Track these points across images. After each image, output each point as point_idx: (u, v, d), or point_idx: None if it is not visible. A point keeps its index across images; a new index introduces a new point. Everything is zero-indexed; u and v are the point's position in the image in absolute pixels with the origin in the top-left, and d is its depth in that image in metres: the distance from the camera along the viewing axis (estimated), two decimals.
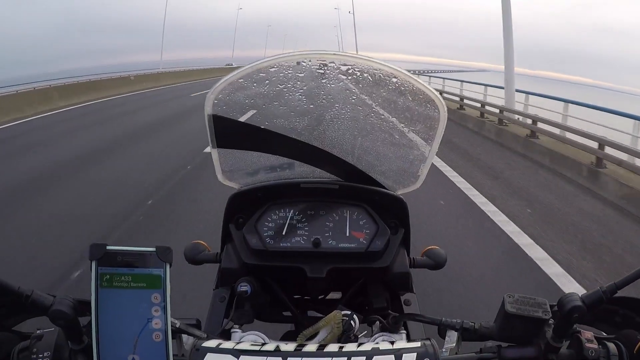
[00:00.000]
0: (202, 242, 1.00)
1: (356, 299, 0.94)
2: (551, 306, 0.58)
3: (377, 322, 0.77)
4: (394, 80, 0.85)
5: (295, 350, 0.56)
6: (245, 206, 0.97)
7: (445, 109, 0.85)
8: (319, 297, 1.00)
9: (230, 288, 0.89)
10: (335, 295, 0.99)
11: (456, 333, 0.63)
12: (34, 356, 0.51)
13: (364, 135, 0.99)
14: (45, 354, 0.51)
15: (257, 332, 0.69)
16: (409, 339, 0.69)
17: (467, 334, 0.63)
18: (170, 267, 0.51)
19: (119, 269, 0.50)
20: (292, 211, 0.96)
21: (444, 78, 16.49)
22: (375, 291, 0.90)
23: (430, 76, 20.09)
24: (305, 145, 0.95)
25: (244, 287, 0.83)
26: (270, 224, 0.94)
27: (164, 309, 0.51)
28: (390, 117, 0.95)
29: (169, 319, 0.51)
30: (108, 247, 0.50)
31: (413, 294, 0.91)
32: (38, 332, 0.54)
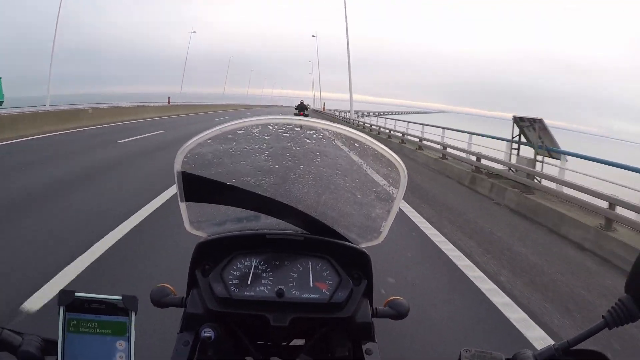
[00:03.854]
0: (168, 285, 0.99)
1: (319, 346, 0.95)
2: None
3: None
4: (356, 145, 0.90)
5: None
6: (211, 254, 0.98)
7: (406, 172, 0.90)
8: (283, 344, 0.99)
9: (195, 332, 0.88)
10: (298, 342, 0.99)
11: None
12: None
13: (328, 194, 1.03)
14: None
15: None
16: None
17: None
18: (135, 315, 0.53)
19: (86, 315, 0.52)
20: (257, 260, 0.97)
21: (396, 120, 19.91)
22: (338, 340, 0.91)
23: (386, 118, 22.60)
24: (270, 200, 0.98)
25: (207, 332, 0.83)
26: (235, 273, 0.95)
27: (129, 355, 0.52)
28: (353, 178, 0.99)
29: None
30: (76, 294, 0.52)
31: (375, 343, 0.93)
32: None
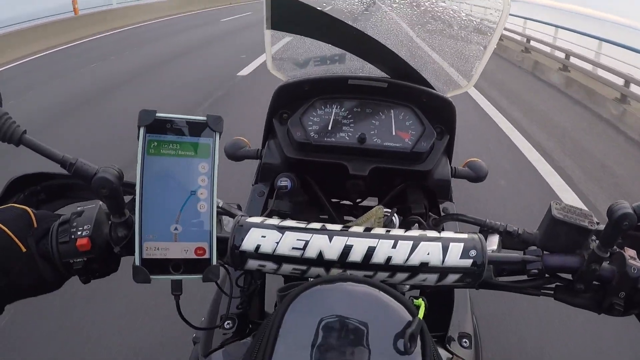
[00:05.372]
0: (243, 138, 1.01)
1: (395, 203, 0.93)
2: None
3: (417, 224, 0.77)
4: None
5: (341, 230, 0.53)
6: (290, 101, 0.97)
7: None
8: (357, 201, 1.01)
9: (270, 183, 0.89)
10: (372, 202, 0.99)
11: (497, 238, 0.62)
12: (74, 229, 0.50)
13: (421, 25, 0.97)
14: (85, 227, 0.50)
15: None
16: None
17: (508, 239, 0.62)
18: (220, 136, 0.50)
19: (167, 136, 0.49)
20: (337, 107, 0.95)
21: None
22: (414, 197, 0.90)
23: None
24: (359, 33, 0.93)
25: (284, 181, 0.83)
26: (315, 119, 0.94)
27: (211, 178, 0.50)
28: (451, 5, 0.92)
29: (215, 188, 0.50)
30: (158, 114, 0.48)
31: (452, 203, 0.91)
32: (79, 208, 0.53)
